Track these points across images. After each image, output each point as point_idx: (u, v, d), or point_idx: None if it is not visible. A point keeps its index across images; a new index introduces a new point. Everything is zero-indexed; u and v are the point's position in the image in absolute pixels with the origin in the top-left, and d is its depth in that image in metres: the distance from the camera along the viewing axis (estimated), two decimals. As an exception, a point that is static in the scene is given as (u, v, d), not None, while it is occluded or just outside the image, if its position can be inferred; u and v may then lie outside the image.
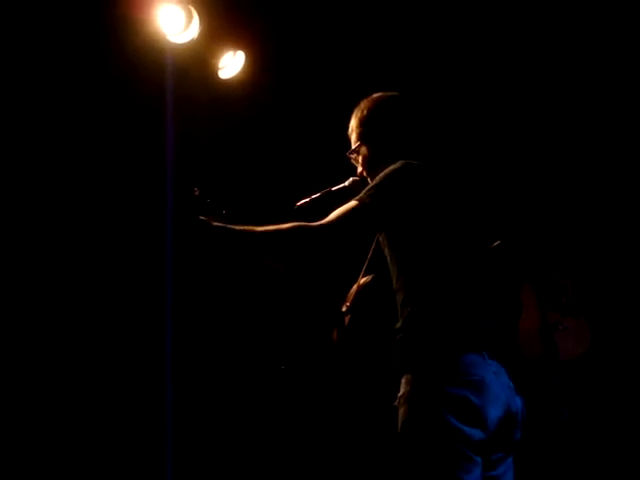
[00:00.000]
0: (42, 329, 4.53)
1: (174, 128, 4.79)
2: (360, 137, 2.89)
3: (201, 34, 4.34)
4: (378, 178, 2.62)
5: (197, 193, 2.57)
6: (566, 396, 2.81)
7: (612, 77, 4.55)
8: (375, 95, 2.92)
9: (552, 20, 4.56)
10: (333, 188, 2.99)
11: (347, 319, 2.78)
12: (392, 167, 2.63)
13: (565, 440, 3.58)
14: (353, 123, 2.93)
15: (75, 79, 4.52)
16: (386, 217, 2.57)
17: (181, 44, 4.37)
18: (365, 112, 2.89)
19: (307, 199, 2.99)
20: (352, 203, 2.56)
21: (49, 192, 4.58)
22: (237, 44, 4.57)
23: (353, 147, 2.91)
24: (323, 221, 2.54)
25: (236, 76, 4.61)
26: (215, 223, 2.53)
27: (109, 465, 4.56)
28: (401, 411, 2.48)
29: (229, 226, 2.53)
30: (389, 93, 2.93)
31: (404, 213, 2.57)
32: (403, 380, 2.51)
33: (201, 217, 2.52)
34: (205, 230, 2.51)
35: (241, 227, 2.53)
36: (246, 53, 4.61)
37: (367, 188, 2.60)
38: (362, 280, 2.86)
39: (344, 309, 2.81)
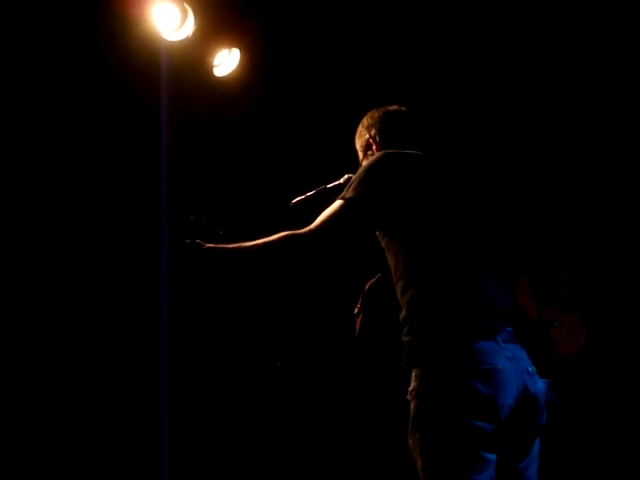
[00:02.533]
0: (39, 331, 4.53)
1: (169, 125, 4.79)
2: (365, 154, 2.89)
3: (196, 32, 4.33)
4: (358, 172, 2.62)
5: (192, 219, 2.57)
6: (562, 393, 2.80)
7: (612, 76, 4.56)
8: (372, 111, 2.93)
9: (552, 20, 4.57)
10: (328, 185, 3.00)
11: (359, 321, 2.78)
12: (371, 159, 2.64)
13: (561, 437, 3.58)
14: (357, 143, 2.94)
15: (70, 76, 4.52)
16: (373, 208, 2.55)
17: (176, 42, 4.37)
18: (364, 132, 2.90)
19: (302, 196, 3.00)
20: (337, 203, 2.54)
21: (43, 188, 4.57)
22: (232, 42, 4.57)
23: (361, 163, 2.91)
24: (311, 226, 2.52)
25: (231, 74, 4.61)
26: (207, 245, 2.53)
27: (105, 464, 4.56)
28: (411, 407, 2.45)
29: (220, 246, 2.53)
30: (386, 108, 2.92)
31: (391, 201, 2.55)
32: (413, 374, 2.48)
33: (195, 240, 2.53)
34: (197, 253, 2.52)
35: (232, 245, 2.53)
36: (241, 51, 4.61)
37: (349, 184, 2.59)
38: (370, 280, 2.85)
39: (355, 311, 2.80)
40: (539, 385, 2.51)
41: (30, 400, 4.46)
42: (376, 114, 2.89)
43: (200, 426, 4.87)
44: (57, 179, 4.58)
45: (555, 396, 2.63)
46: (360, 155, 2.92)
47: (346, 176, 2.96)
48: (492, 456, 2.39)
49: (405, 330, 2.52)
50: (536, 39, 4.61)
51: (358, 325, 2.79)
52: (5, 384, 4.40)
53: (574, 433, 4.23)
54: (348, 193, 2.54)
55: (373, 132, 2.86)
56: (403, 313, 2.54)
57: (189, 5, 4.29)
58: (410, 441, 2.44)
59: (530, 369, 2.50)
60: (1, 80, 4.37)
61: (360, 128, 2.92)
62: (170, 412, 4.75)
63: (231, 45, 4.58)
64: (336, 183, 2.98)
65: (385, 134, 2.85)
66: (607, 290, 4.48)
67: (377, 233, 2.67)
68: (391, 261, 2.62)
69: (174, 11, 4.26)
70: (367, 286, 2.84)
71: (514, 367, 2.44)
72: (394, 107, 2.91)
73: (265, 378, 4.91)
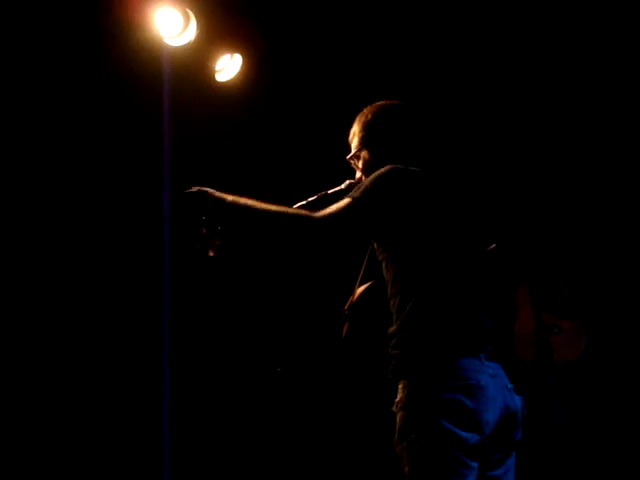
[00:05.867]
0: (40, 329, 4.54)
1: (171, 131, 4.79)
2: (362, 142, 2.89)
3: (198, 37, 4.34)
4: (366, 181, 2.64)
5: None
6: (561, 399, 2.82)
7: (609, 83, 4.56)
8: (379, 102, 2.93)
9: (551, 22, 4.57)
10: (329, 191, 3.00)
11: (345, 327, 2.79)
12: (379, 171, 2.65)
13: (560, 443, 3.59)
14: (356, 128, 2.93)
15: (73, 82, 4.53)
16: (378, 214, 2.58)
17: (178, 47, 4.38)
18: (369, 117, 2.90)
19: (303, 202, 3.00)
20: (345, 200, 2.57)
21: (47, 193, 4.58)
22: (234, 47, 4.58)
23: (354, 151, 2.92)
24: (323, 212, 2.54)
25: (233, 79, 4.62)
26: (217, 194, 2.51)
27: (106, 464, 4.56)
28: (398, 417, 2.51)
29: (233, 197, 2.52)
30: (393, 101, 2.94)
31: (395, 215, 2.58)
32: (400, 386, 2.53)
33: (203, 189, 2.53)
34: (205, 200, 2.50)
35: (245, 200, 2.52)
36: (243, 56, 4.61)
37: (357, 187, 2.62)
38: (360, 288, 2.87)
39: (342, 317, 2.81)
40: (517, 402, 2.57)
41: (32, 399, 4.46)
42: (381, 108, 2.90)
43: (201, 429, 4.88)
44: (62, 185, 4.60)
45: (555, 401, 2.64)
46: (355, 141, 2.91)
47: (347, 182, 2.97)
48: (475, 464, 2.45)
49: (394, 343, 2.57)
50: (535, 42, 4.62)
51: (345, 330, 2.80)
52: (7, 383, 4.41)
53: (573, 438, 4.24)
54: (356, 194, 2.57)
55: (374, 127, 2.86)
56: (394, 327, 2.59)
57: (191, 10, 4.30)
58: (397, 449, 2.49)
59: (509, 386, 2.57)
60: (8, 88, 4.38)
61: (365, 118, 2.90)
62: (172, 416, 4.76)
63: (233, 50, 4.58)
64: (337, 189, 2.99)
65: (386, 131, 2.85)
66: (606, 296, 4.49)
67: (375, 247, 2.70)
68: (388, 276, 2.65)
69: (176, 16, 4.27)
70: (358, 292, 2.85)
71: (496, 384, 2.51)
72: (399, 103, 2.92)
73: (265, 383, 4.91)
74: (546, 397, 2.66)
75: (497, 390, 2.50)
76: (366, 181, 2.63)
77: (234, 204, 2.51)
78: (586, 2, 4.50)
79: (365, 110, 2.93)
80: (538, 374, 2.62)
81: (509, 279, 2.75)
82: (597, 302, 4.31)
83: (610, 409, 4.49)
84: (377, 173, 2.64)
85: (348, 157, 2.94)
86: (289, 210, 2.54)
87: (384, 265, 2.67)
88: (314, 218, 2.52)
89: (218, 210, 2.51)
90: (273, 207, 2.51)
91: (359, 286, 2.86)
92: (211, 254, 2.51)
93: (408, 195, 2.60)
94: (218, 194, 2.52)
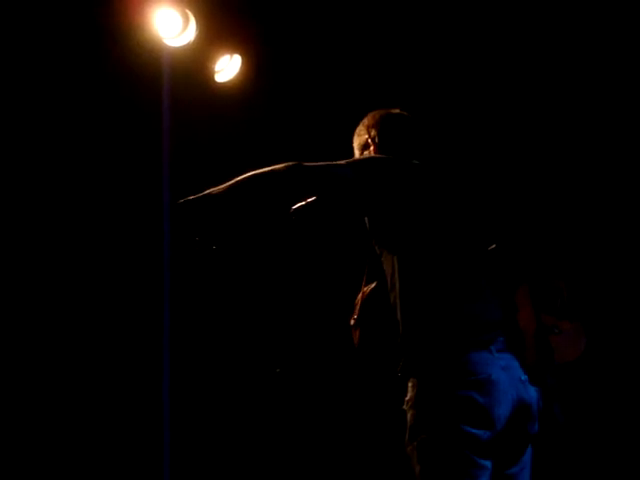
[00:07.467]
0: (41, 330, 4.54)
1: (170, 131, 4.80)
2: (361, 153, 2.90)
3: (198, 37, 4.35)
4: (362, 156, 2.69)
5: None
6: (561, 400, 2.81)
7: (609, 83, 4.56)
8: (374, 112, 2.93)
9: (551, 21, 4.58)
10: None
11: (357, 334, 2.77)
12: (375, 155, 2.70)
13: (560, 444, 3.59)
14: (355, 141, 2.93)
15: (72, 82, 4.53)
16: (368, 181, 2.56)
17: (178, 47, 4.39)
18: (364, 131, 2.89)
19: (303, 202, 3.00)
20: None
21: (47, 193, 4.59)
22: (234, 48, 4.59)
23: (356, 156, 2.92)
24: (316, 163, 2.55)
25: (233, 79, 4.63)
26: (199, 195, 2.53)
27: (106, 464, 4.57)
28: (408, 416, 2.48)
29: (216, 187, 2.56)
30: (388, 110, 2.93)
31: (388, 199, 2.57)
32: (409, 384, 2.51)
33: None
34: (193, 205, 2.51)
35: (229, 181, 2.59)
36: (243, 57, 4.62)
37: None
38: (365, 289, 2.84)
39: (352, 322, 2.79)
40: (532, 393, 2.53)
41: (32, 399, 4.47)
42: (378, 115, 2.89)
43: (201, 431, 4.88)
44: (62, 185, 4.60)
45: (554, 402, 2.63)
46: (357, 154, 2.92)
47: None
48: (488, 463, 2.43)
49: (401, 341, 2.55)
50: (535, 42, 4.62)
51: (357, 337, 2.77)
52: (7, 384, 4.41)
53: (573, 439, 4.24)
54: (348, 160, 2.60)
55: (373, 133, 2.85)
56: (400, 324, 2.56)
57: (191, 11, 4.31)
58: (408, 449, 2.47)
59: (523, 378, 2.52)
60: (8, 87, 4.39)
61: (360, 127, 2.91)
62: (172, 416, 4.76)
63: (232, 51, 4.59)
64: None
65: (385, 137, 2.84)
66: (606, 296, 4.49)
67: (373, 243, 2.69)
68: (388, 271, 2.63)
69: (176, 17, 4.27)
70: (363, 296, 2.83)
71: (508, 377, 2.47)
72: (396, 111, 2.92)
73: (264, 384, 4.92)
74: (546, 398, 2.65)
75: (510, 383, 2.46)
76: (360, 157, 2.67)
77: (217, 191, 2.55)
78: (586, 2, 4.50)
79: (365, 120, 2.92)
80: (538, 375, 2.61)
81: (509, 279, 2.74)
82: (597, 302, 4.31)
83: (610, 409, 4.50)
84: (372, 155, 2.70)
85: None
86: (270, 167, 2.58)
87: (383, 261, 2.64)
88: (301, 163, 2.54)
89: (208, 207, 2.51)
90: (252, 172, 2.60)
91: (365, 286, 2.84)
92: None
93: (402, 186, 2.58)
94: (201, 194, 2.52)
